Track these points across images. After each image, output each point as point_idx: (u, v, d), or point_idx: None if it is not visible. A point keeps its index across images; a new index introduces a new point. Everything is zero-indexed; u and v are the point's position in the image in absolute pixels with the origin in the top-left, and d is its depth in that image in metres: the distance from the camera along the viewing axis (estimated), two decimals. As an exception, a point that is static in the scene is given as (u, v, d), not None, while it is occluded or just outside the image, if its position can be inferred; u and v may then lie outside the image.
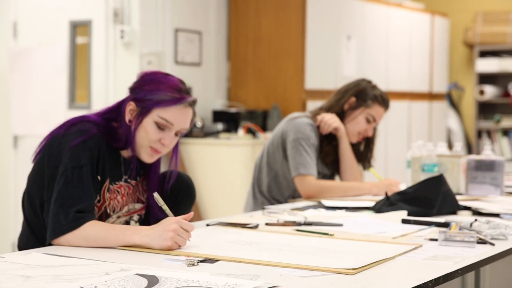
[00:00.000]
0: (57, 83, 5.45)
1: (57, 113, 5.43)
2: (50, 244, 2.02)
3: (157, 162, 2.27)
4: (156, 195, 2.08)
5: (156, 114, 2.12)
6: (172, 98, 2.12)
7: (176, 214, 2.15)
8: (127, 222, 2.26)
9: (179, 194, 2.40)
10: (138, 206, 2.28)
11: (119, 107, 2.18)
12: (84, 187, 2.05)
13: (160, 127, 2.13)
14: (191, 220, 2.07)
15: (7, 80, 5.64)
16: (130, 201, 2.24)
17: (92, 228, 1.99)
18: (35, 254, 1.89)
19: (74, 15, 5.39)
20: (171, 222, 1.97)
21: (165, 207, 2.07)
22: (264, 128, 5.63)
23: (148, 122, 2.12)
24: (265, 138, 5.32)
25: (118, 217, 2.22)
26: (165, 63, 5.35)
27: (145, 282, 1.59)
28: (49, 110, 5.47)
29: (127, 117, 2.15)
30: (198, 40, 5.64)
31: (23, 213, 2.21)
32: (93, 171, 2.09)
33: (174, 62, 5.44)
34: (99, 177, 2.13)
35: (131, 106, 2.14)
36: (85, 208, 2.03)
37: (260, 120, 5.67)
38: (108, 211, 2.17)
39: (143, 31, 5.21)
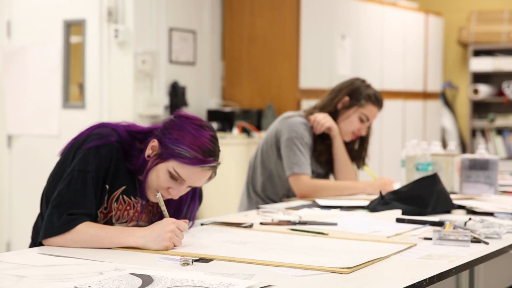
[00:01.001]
0: (51, 83, 5.43)
1: (51, 112, 5.42)
2: (41, 244, 2.01)
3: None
4: (159, 195, 2.07)
5: (172, 165, 2.05)
6: (193, 158, 2.05)
7: (181, 217, 2.16)
8: None
9: (182, 196, 2.40)
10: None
11: (150, 132, 2.14)
12: (85, 194, 2.02)
13: (172, 177, 2.08)
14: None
15: (1, 80, 5.62)
16: (146, 220, 2.20)
17: (84, 230, 1.97)
18: (29, 254, 1.89)
19: (68, 14, 5.38)
20: (169, 223, 1.96)
21: (163, 208, 2.07)
22: (259, 127, 5.63)
23: (163, 168, 2.07)
24: (260, 137, 5.32)
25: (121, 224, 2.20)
26: (159, 63, 5.34)
27: (139, 281, 1.59)
28: (43, 110, 5.46)
29: (148, 152, 2.10)
30: (192, 39, 5.64)
31: (40, 210, 2.17)
32: (99, 179, 2.05)
33: (168, 61, 5.43)
34: (107, 186, 2.08)
35: (154, 143, 2.09)
36: (80, 212, 2.00)
37: (254, 119, 5.67)
38: (113, 220, 2.12)
39: (137, 30, 5.20)
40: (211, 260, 1.83)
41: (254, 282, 1.59)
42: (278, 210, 2.63)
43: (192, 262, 1.79)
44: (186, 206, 2.23)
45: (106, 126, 2.12)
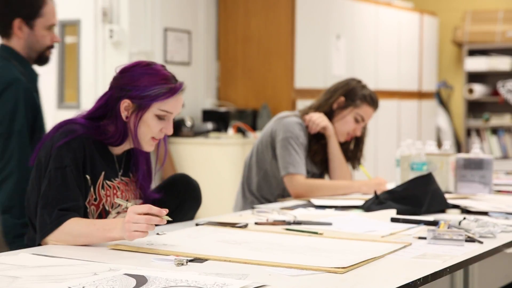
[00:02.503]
0: (46, 83, 5.42)
1: (46, 113, 5.40)
2: (40, 244, 2.04)
3: (147, 154, 2.31)
4: (117, 200, 2.11)
5: (157, 108, 2.15)
6: (169, 90, 2.15)
7: (181, 216, 2.21)
8: None
9: (184, 196, 2.43)
10: (139, 202, 2.30)
11: (105, 105, 2.19)
12: (69, 188, 2.07)
13: (160, 118, 2.16)
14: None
15: (-5, 80, 5.61)
16: (132, 197, 2.27)
17: (74, 225, 2.01)
18: (23, 255, 1.88)
19: (63, 15, 5.37)
20: (126, 215, 1.96)
21: (122, 202, 2.08)
22: (254, 127, 5.63)
23: (149, 117, 2.15)
24: (255, 137, 5.32)
25: (118, 212, 2.24)
26: (154, 63, 5.34)
27: (133, 282, 1.58)
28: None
29: (123, 114, 2.16)
30: (187, 39, 5.64)
31: (28, 217, 2.21)
32: (79, 171, 2.10)
33: (163, 62, 5.43)
34: (88, 176, 2.14)
35: (126, 103, 2.15)
36: (69, 208, 2.05)
37: (249, 120, 5.67)
38: (107, 208, 2.19)
39: (132, 31, 5.20)
40: (206, 260, 1.83)
41: (248, 282, 1.59)
42: (273, 210, 2.63)
43: (187, 262, 1.79)
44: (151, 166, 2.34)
45: (67, 123, 2.17)
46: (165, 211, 1.94)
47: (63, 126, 2.16)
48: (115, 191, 2.21)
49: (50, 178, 2.07)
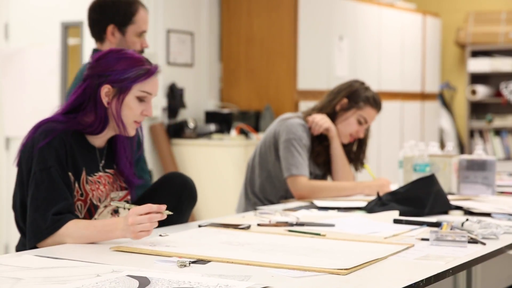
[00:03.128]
0: (49, 84, 5.43)
1: (49, 114, 5.41)
2: (33, 248, 2.04)
3: (125, 141, 2.32)
4: (114, 203, 2.14)
5: (137, 89, 2.18)
6: (147, 71, 2.19)
7: (178, 216, 2.24)
8: (116, 211, 2.29)
9: (182, 196, 2.44)
10: (122, 193, 2.31)
11: (82, 96, 2.20)
12: (57, 187, 2.07)
13: (141, 100, 2.20)
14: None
15: (-2, 82, 5.63)
16: (114, 189, 2.28)
17: (73, 228, 2.03)
18: (26, 256, 1.89)
19: (66, 16, 5.39)
20: (128, 217, 2.00)
21: (126, 206, 2.10)
22: (257, 129, 5.63)
23: (131, 99, 2.19)
24: (258, 138, 5.32)
25: (105, 206, 2.25)
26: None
27: (136, 283, 1.59)
28: (41, 112, 5.43)
29: (105, 100, 2.18)
30: (190, 41, 5.64)
31: (15, 221, 2.21)
32: (64, 169, 2.11)
33: (166, 63, 5.43)
34: (70, 173, 2.14)
35: (106, 89, 2.18)
36: (62, 209, 2.06)
37: (252, 121, 5.67)
38: (95, 202, 2.20)
39: (135, 32, 5.20)
40: (209, 261, 1.83)
41: (251, 283, 1.59)
42: (275, 212, 2.63)
43: (190, 263, 1.79)
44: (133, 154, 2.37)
45: (44, 122, 2.19)
46: (164, 206, 2.01)
47: (41, 125, 2.17)
48: (97, 186, 2.22)
49: (36, 180, 2.08)
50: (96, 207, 2.21)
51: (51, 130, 2.14)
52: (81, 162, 2.18)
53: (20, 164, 2.16)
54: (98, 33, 3.04)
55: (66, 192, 2.09)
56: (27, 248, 2.06)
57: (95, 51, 3.02)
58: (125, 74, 2.17)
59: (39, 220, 2.04)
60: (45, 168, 2.09)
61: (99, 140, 2.25)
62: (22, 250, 2.16)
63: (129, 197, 2.34)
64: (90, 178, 2.21)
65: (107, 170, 2.28)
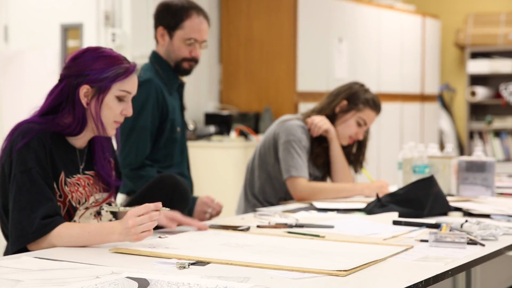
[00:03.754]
0: (48, 87, 5.43)
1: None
2: (19, 251, 2.01)
3: (104, 142, 2.28)
4: (107, 207, 2.14)
5: (117, 89, 2.14)
6: (126, 70, 2.14)
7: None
8: (98, 213, 2.24)
9: (173, 198, 2.43)
10: (105, 195, 2.26)
11: (59, 97, 2.16)
12: (39, 189, 2.04)
13: (120, 99, 2.16)
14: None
15: (-2, 84, 5.63)
16: (95, 191, 2.23)
17: (66, 231, 2.00)
18: (26, 258, 1.89)
19: (65, 19, 5.39)
20: (127, 219, 1.98)
21: (122, 209, 2.10)
22: (256, 131, 5.63)
23: (110, 99, 2.14)
24: (257, 140, 5.32)
25: (86, 208, 2.20)
26: (156, 66, 5.34)
27: (135, 285, 1.59)
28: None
29: (83, 100, 2.14)
30: (189, 42, 5.64)
31: None
32: (45, 170, 2.07)
33: (165, 65, 5.43)
34: (54, 172, 2.11)
35: (85, 89, 2.13)
36: (49, 211, 2.02)
37: (252, 123, 5.67)
38: (74, 204, 2.15)
39: (135, 34, 5.21)
40: (208, 263, 1.83)
41: (250, 285, 1.59)
42: (275, 213, 2.63)
43: (189, 265, 1.79)
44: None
45: (21, 123, 2.14)
46: (159, 203, 2.00)
47: (18, 127, 2.13)
48: (76, 187, 2.16)
49: (17, 183, 2.04)
50: (75, 209, 2.16)
51: (28, 131, 2.10)
52: (59, 163, 2.13)
53: (2, 168, 2.11)
54: (154, 34, 3.06)
55: (49, 193, 2.05)
56: (11, 252, 2.03)
57: (153, 53, 3.05)
58: (104, 73, 2.12)
59: (24, 223, 2.00)
60: (26, 170, 2.04)
61: (79, 141, 2.20)
62: (6, 254, 2.13)
63: (112, 198, 2.29)
64: (68, 180, 2.15)
65: (87, 172, 2.23)
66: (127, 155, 2.91)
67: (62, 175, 2.14)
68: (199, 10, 3.02)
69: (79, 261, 1.84)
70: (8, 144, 2.12)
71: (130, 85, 2.17)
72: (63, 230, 2.00)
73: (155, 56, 3.06)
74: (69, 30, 5.42)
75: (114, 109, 2.15)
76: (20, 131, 2.11)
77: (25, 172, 2.05)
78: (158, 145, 2.98)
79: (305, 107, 5.29)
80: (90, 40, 5.25)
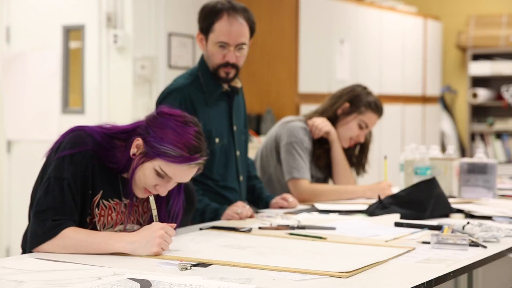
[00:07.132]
0: (50, 88, 5.44)
1: (50, 117, 5.42)
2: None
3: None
4: (151, 198, 2.07)
5: (158, 164, 2.04)
6: (179, 157, 2.03)
7: (167, 210, 2.17)
8: None
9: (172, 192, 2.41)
10: (137, 227, 2.17)
11: (131, 131, 2.11)
12: (63, 200, 2.00)
13: (159, 175, 2.06)
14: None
15: (0, 85, 5.63)
16: (129, 221, 2.16)
17: (71, 235, 1.96)
18: (28, 259, 1.89)
19: (67, 20, 5.39)
20: (158, 228, 1.96)
21: (155, 213, 2.07)
22: (258, 132, 5.64)
23: (149, 167, 2.05)
24: (259, 142, 5.32)
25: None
26: (158, 68, 5.35)
27: (137, 286, 1.59)
28: (42, 115, 5.46)
29: (133, 150, 2.08)
30: (191, 44, 5.65)
31: (28, 218, 2.18)
32: (77, 186, 2.03)
33: (167, 67, 5.44)
34: (90, 192, 2.07)
35: (138, 142, 2.07)
36: (63, 218, 1.99)
37: (253, 124, 5.67)
38: (98, 227, 2.10)
39: (136, 36, 5.21)
40: (210, 264, 1.83)
41: (252, 286, 1.59)
42: (276, 215, 2.64)
43: (191, 266, 1.79)
44: (172, 201, 2.21)
45: (81, 130, 2.10)
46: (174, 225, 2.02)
47: (74, 131, 2.10)
48: (110, 212, 2.11)
49: (47, 185, 2.02)
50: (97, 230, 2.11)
51: (80, 143, 2.05)
52: (100, 184, 2.08)
53: (43, 166, 2.11)
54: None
55: (72, 208, 2.01)
56: (28, 252, 2.03)
57: (201, 58, 2.84)
58: (159, 143, 2.02)
59: (37, 225, 1.98)
60: (60, 177, 2.02)
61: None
62: (24, 247, 2.12)
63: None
64: (105, 202, 2.10)
65: (124, 200, 2.15)
66: None
67: (98, 196, 2.09)
68: (233, 11, 2.74)
69: (81, 262, 1.84)
70: (57, 145, 2.09)
71: (174, 171, 2.04)
72: (70, 232, 1.97)
73: (200, 62, 2.85)
74: (71, 32, 5.42)
75: (147, 178, 2.06)
76: (73, 138, 2.07)
77: (58, 179, 2.02)
78: None
79: (306, 108, 5.29)
80: (91, 41, 5.26)
